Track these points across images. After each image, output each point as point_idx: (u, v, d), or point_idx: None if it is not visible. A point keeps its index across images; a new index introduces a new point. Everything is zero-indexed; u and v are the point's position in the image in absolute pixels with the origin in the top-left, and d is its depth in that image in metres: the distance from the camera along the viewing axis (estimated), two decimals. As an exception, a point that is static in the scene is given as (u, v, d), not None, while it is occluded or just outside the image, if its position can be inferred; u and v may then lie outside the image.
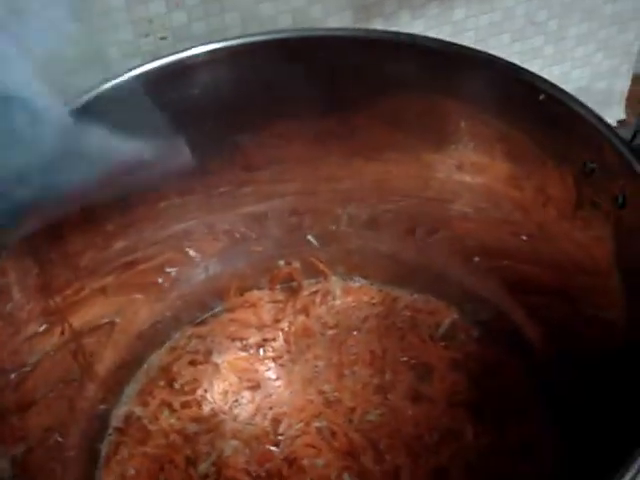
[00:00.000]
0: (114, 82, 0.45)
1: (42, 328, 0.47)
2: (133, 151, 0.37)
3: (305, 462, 0.52)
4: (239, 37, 0.46)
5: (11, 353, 0.44)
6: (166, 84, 0.44)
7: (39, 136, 0.33)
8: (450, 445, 0.53)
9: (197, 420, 0.55)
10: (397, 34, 0.45)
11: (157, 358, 0.59)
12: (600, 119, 0.43)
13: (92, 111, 0.43)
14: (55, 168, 0.34)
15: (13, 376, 0.44)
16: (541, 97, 0.44)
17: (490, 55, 0.45)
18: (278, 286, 0.63)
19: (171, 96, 0.44)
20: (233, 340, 0.60)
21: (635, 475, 0.31)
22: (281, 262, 0.62)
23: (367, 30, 0.46)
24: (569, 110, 0.44)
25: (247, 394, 0.57)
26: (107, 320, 0.55)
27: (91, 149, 0.36)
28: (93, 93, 0.45)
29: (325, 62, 0.47)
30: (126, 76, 0.43)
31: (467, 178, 0.51)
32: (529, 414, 0.54)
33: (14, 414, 0.45)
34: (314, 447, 0.53)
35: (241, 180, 0.54)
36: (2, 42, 0.33)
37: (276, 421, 0.55)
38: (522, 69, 0.45)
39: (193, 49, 0.45)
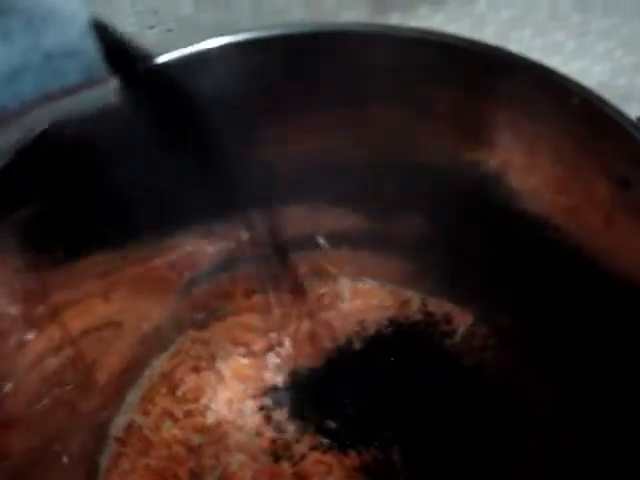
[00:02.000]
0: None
1: (32, 335, 0.45)
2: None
3: (316, 478, 0.50)
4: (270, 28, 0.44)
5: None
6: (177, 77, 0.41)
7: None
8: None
9: (201, 430, 0.54)
10: (431, 33, 0.43)
11: (159, 364, 0.57)
12: (635, 125, 0.41)
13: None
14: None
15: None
16: (575, 101, 0.42)
17: (522, 57, 0.43)
18: (285, 289, 0.61)
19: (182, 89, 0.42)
20: (237, 345, 0.58)
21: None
22: (289, 264, 0.60)
23: (403, 28, 0.43)
24: (603, 115, 0.41)
25: (252, 403, 0.55)
26: (107, 325, 0.52)
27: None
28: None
29: (358, 59, 0.45)
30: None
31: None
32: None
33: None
34: (324, 463, 0.51)
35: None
36: None
37: (284, 433, 0.53)
38: (556, 72, 0.42)
39: (218, 38, 0.43)
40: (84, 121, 0.38)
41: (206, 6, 0.50)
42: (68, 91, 0.35)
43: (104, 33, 0.35)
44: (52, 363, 0.46)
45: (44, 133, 0.39)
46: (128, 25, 0.49)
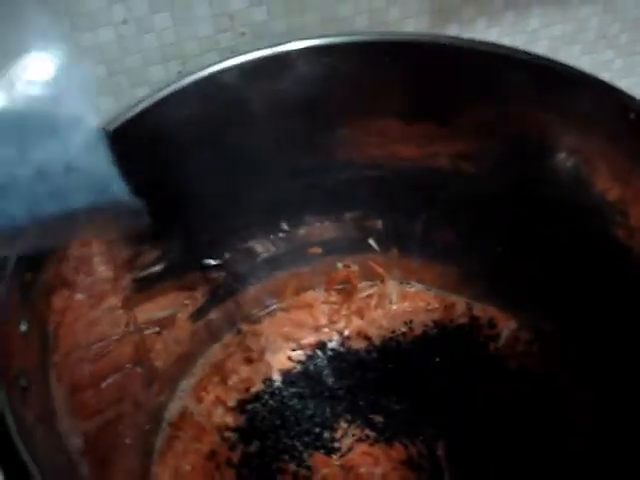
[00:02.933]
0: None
1: (119, 305, 0.47)
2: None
3: (363, 470, 0.52)
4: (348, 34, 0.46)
5: (88, 326, 0.44)
6: (260, 77, 0.44)
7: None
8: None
9: (252, 420, 0.55)
10: (496, 45, 0.45)
11: (212, 354, 0.59)
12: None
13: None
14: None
15: (87, 351, 0.44)
16: (631, 116, 0.43)
17: (585, 73, 0.44)
18: (334, 288, 0.63)
19: (263, 89, 0.44)
20: (287, 340, 0.60)
21: None
22: (339, 265, 0.62)
23: (470, 40, 0.45)
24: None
25: (300, 395, 0.57)
26: (166, 315, 0.55)
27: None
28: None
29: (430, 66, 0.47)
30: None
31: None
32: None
33: (87, 389, 0.44)
34: (371, 455, 0.53)
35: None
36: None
37: (331, 426, 0.55)
38: (614, 87, 0.44)
39: (296, 42, 0.45)
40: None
41: (278, 13, 0.52)
42: (70, 216, 0.29)
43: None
44: (123, 342, 0.48)
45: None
46: (204, 28, 0.51)
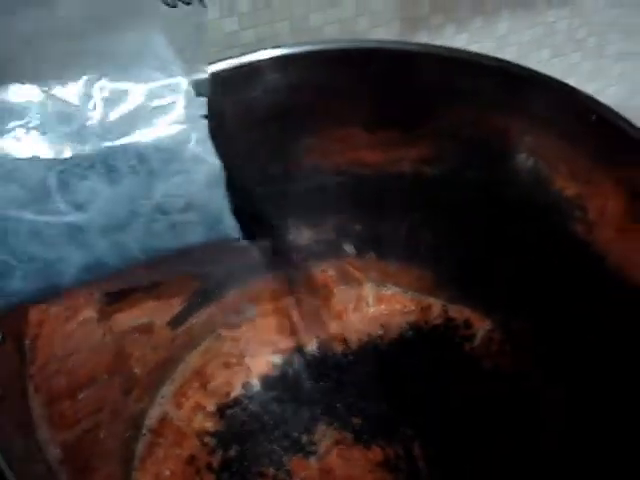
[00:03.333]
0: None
1: (95, 316, 0.48)
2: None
3: (340, 473, 0.53)
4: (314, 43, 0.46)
5: (64, 338, 0.45)
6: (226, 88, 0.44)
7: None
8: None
9: (231, 424, 0.56)
10: (460, 51, 0.46)
11: (192, 360, 0.60)
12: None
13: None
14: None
15: (65, 363, 0.45)
16: (593, 117, 0.45)
17: (546, 75, 0.46)
18: (312, 292, 0.63)
19: (233, 98, 0.44)
20: (266, 345, 0.61)
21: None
22: (316, 269, 0.63)
23: (434, 46, 0.46)
24: (620, 131, 0.44)
25: (279, 399, 0.58)
26: (144, 322, 0.55)
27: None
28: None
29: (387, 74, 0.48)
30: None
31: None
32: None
33: (65, 399, 0.45)
34: (348, 458, 0.54)
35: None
36: None
37: (310, 429, 0.55)
38: (575, 90, 0.45)
39: (265, 51, 0.45)
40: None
41: (249, 23, 0.53)
42: (189, 252, 0.29)
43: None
44: (102, 352, 0.49)
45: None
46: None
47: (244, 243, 0.32)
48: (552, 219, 0.50)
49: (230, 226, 0.30)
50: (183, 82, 0.29)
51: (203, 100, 0.29)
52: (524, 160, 0.49)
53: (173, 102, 0.28)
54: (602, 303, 0.49)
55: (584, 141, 0.46)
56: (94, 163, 0.26)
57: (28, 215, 0.25)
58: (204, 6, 0.30)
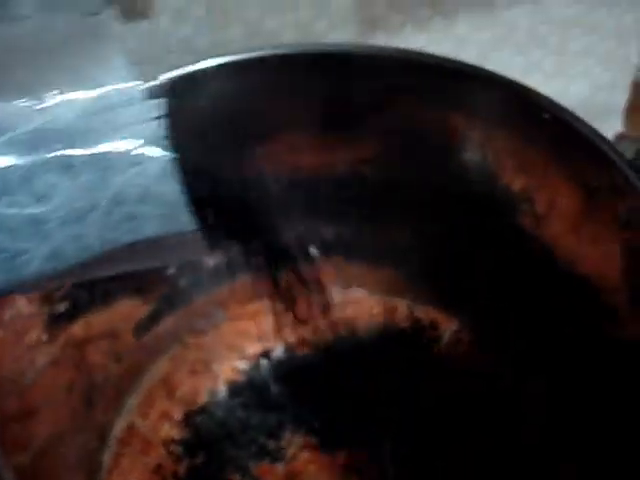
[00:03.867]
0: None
1: (45, 337, 0.47)
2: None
3: (307, 477, 0.53)
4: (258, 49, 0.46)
5: (13, 361, 0.44)
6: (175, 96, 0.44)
7: None
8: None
9: (197, 432, 0.56)
10: (405, 52, 0.46)
11: (157, 368, 0.60)
12: (604, 139, 0.43)
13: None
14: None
15: (16, 384, 0.44)
16: (545, 116, 0.45)
17: (493, 73, 0.46)
18: (278, 296, 0.63)
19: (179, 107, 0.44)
20: (233, 350, 0.61)
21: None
22: (281, 273, 0.62)
23: (380, 48, 0.46)
24: (572, 129, 0.44)
25: (247, 405, 0.57)
26: (107, 330, 0.55)
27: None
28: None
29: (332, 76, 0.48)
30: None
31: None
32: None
33: (17, 422, 0.44)
34: (315, 462, 0.54)
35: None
36: None
37: (276, 434, 0.55)
38: (526, 87, 0.45)
39: (212, 59, 0.45)
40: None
41: (203, 29, 0.53)
42: (145, 243, 0.31)
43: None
44: (60, 366, 0.48)
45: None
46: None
47: (199, 235, 0.33)
48: (502, 213, 0.50)
49: (186, 218, 0.32)
50: (135, 86, 0.31)
51: (154, 103, 0.31)
52: (471, 157, 0.49)
53: (127, 105, 0.30)
54: (556, 296, 0.50)
55: (538, 140, 0.46)
56: (53, 161, 0.29)
57: None
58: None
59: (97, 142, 0.29)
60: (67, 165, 0.29)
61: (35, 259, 0.28)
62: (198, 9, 0.52)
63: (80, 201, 0.29)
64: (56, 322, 0.48)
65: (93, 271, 0.32)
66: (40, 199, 0.28)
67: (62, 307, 0.48)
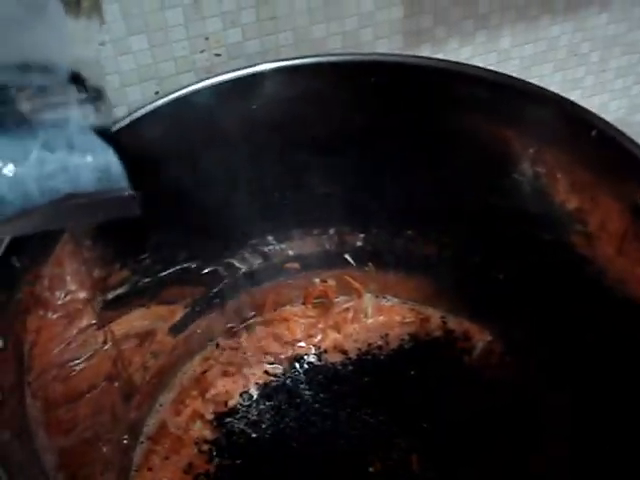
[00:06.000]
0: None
1: (93, 322, 0.48)
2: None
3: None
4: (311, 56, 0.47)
5: (62, 346, 0.45)
6: (234, 97, 0.45)
7: None
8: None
9: (228, 432, 0.56)
10: (461, 64, 0.46)
11: (191, 368, 0.60)
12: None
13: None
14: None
15: (62, 370, 0.45)
16: (593, 133, 0.45)
17: (544, 89, 0.46)
18: (312, 302, 0.64)
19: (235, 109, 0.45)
20: (265, 354, 0.61)
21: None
22: (316, 280, 0.63)
23: (433, 60, 0.47)
24: (620, 147, 0.44)
25: (278, 409, 0.58)
26: (146, 329, 0.55)
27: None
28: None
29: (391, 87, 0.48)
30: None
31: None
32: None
33: (62, 406, 0.45)
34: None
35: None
36: None
37: (308, 440, 0.55)
38: (576, 105, 0.45)
39: (267, 64, 0.46)
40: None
41: (253, 33, 0.53)
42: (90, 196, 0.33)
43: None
44: (99, 358, 0.49)
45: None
46: (181, 50, 0.52)
47: (131, 194, 0.34)
48: (553, 231, 0.50)
49: (118, 174, 0.33)
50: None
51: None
52: (525, 172, 0.49)
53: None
54: (601, 314, 0.49)
55: (586, 157, 0.46)
56: None
57: None
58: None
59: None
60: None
61: None
62: (248, 16, 0.53)
63: (13, 148, 0.31)
64: (103, 312, 0.48)
65: (35, 223, 0.33)
66: None
67: (111, 295, 0.49)
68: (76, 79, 0.32)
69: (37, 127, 0.31)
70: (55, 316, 0.42)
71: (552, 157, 0.47)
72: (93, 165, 0.32)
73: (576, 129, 0.45)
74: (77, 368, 0.46)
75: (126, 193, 0.34)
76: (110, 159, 0.33)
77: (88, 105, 0.33)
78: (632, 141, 0.44)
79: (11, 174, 0.30)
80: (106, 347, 0.50)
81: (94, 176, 0.32)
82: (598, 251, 0.48)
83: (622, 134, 0.44)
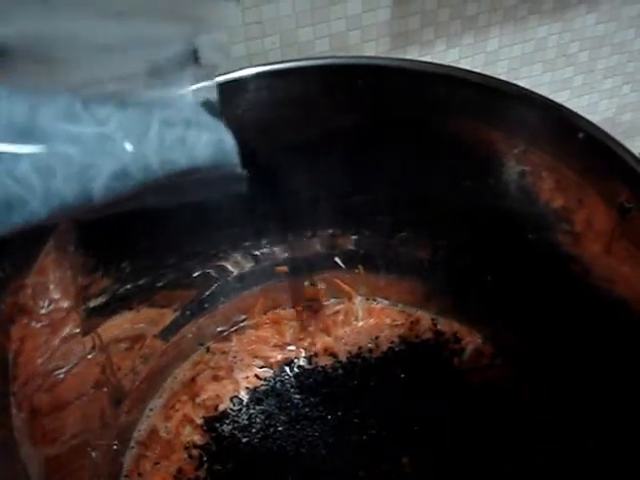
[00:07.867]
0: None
1: (78, 331, 0.48)
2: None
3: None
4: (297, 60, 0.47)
5: (46, 355, 0.45)
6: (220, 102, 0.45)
7: None
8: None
9: (218, 437, 0.56)
10: (446, 67, 0.46)
11: (181, 372, 0.60)
12: (637, 159, 0.43)
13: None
14: None
15: (47, 378, 0.45)
16: (580, 135, 0.45)
17: (530, 91, 0.46)
18: (302, 305, 0.64)
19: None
20: (255, 357, 0.61)
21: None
22: (307, 283, 0.63)
23: (419, 62, 0.47)
24: (606, 149, 0.44)
25: (268, 413, 0.58)
26: (135, 333, 0.55)
27: None
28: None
29: (371, 88, 0.48)
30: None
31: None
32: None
33: (47, 415, 0.45)
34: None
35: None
36: None
37: (299, 444, 0.55)
38: (561, 106, 0.45)
39: (250, 69, 0.46)
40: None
41: (238, 38, 0.53)
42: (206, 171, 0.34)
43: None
44: (90, 363, 0.49)
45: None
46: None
47: (241, 172, 0.35)
48: (539, 231, 0.50)
49: (231, 150, 0.34)
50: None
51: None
52: (511, 172, 0.49)
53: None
54: (588, 314, 0.50)
55: (573, 158, 0.46)
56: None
57: (64, 125, 0.30)
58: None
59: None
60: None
61: (102, 175, 0.30)
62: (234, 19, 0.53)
63: (135, 123, 0.31)
64: (90, 318, 0.48)
65: (152, 198, 0.34)
66: (100, 123, 0.31)
67: (97, 302, 0.49)
68: (193, 56, 0.33)
69: (154, 103, 0.32)
70: (39, 325, 0.42)
71: (538, 158, 0.47)
72: (208, 140, 0.33)
73: (562, 131, 0.45)
74: (63, 376, 0.46)
75: (238, 170, 0.35)
76: (223, 135, 0.34)
77: (202, 82, 0.33)
78: (617, 142, 0.44)
79: (133, 148, 0.31)
80: (93, 354, 0.50)
81: (209, 151, 0.33)
82: (585, 250, 0.48)
83: (607, 135, 0.44)
